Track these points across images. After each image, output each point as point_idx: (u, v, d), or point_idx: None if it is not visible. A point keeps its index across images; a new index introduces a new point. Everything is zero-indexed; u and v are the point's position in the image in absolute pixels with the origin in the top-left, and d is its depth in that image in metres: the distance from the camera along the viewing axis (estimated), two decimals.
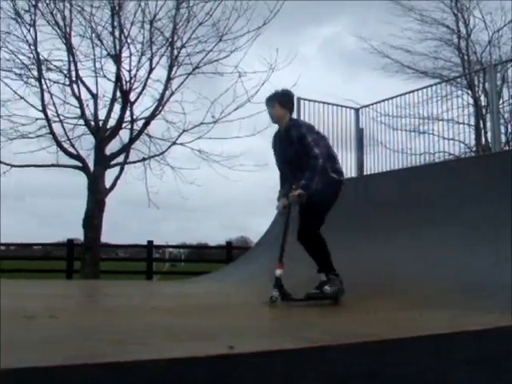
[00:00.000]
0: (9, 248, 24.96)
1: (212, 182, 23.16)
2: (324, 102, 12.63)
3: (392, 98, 12.42)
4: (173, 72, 17.13)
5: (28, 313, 4.53)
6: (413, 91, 12.12)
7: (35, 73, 16.56)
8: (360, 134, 12.92)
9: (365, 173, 12.46)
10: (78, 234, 17.24)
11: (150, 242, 18.78)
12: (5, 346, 2.76)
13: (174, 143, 17.34)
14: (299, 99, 12.39)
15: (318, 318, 5.13)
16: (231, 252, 18.73)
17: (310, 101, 12.48)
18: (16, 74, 16.47)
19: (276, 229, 11.27)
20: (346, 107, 13.24)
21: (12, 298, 6.46)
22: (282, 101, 6.68)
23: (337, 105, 12.96)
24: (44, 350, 2.89)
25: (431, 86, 12.39)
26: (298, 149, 6.35)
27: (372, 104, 12.85)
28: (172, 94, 17.24)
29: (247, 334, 3.87)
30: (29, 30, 16.35)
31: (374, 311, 5.26)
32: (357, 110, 13.17)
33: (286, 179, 6.73)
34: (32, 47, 16.41)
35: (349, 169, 12.35)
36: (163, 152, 17.46)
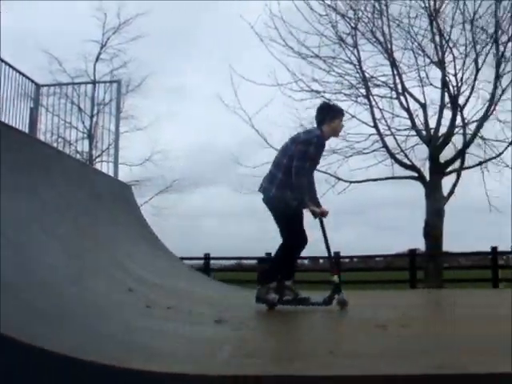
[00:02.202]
0: (352, 260, 26.12)
1: None
2: None
3: None
4: (501, 69, 16.36)
5: (379, 322, 4.68)
6: None
7: (363, 91, 17.24)
8: None
9: None
10: (419, 243, 17.33)
11: (494, 248, 17.99)
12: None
13: (511, 143, 16.47)
14: None
15: None
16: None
17: None
18: (345, 94, 17.32)
19: None
20: None
21: (363, 308, 6.71)
22: None
23: None
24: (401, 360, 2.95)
25: None
26: None
27: None
28: (503, 91, 16.45)
29: None
30: (352, 52, 17.11)
31: None
32: None
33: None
34: (357, 67, 17.11)
35: None
36: (500, 154, 16.74)
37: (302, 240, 6.73)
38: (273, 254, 7.09)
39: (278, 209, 6.67)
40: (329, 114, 6.87)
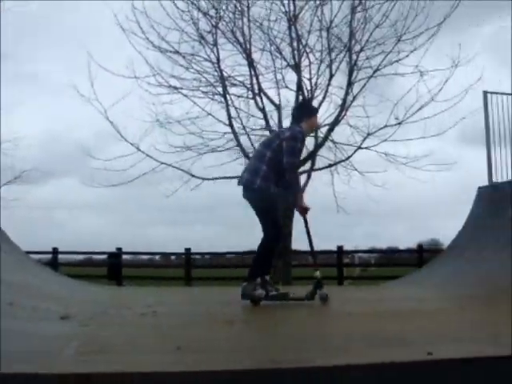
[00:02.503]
0: (204, 257, 26.30)
1: (399, 185, 22.73)
2: None
3: None
4: (353, 76, 17.08)
5: (227, 318, 4.71)
6: None
7: (220, 89, 17.33)
8: None
9: None
10: None
11: (340, 248, 18.82)
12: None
13: (359, 148, 17.25)
14: (486, 93, 11.76)
15: None
16: (422, 255, 18.22)
17: (497, 94, 11.72)
18: (203, 92, 17.34)
19: (469, 230, 10.80)
20: None
21: (211, 305, 6.74)
22: None
23: None
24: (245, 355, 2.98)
25: None
26: None
27: None
28: (354, 98, 17.19)
29: (444, 339, 3.73)
30: (212, 50, 17.19)
31: None
32: None
33: None
34: (216, 65, 17.19)
35: None
36: (349, 157, 17.44)
37: (281, 234, 6.93)
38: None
39: (262, 200, 6.69)
40: (307, 112, 7.19)
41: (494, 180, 11.46)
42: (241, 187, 6.92)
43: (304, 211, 6.89)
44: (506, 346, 3.21)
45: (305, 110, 7.39)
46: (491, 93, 11.69)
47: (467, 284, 8.22)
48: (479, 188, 11.51)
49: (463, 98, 16.09)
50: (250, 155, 17.19)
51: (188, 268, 19.21)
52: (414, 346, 3.32)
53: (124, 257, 20.70)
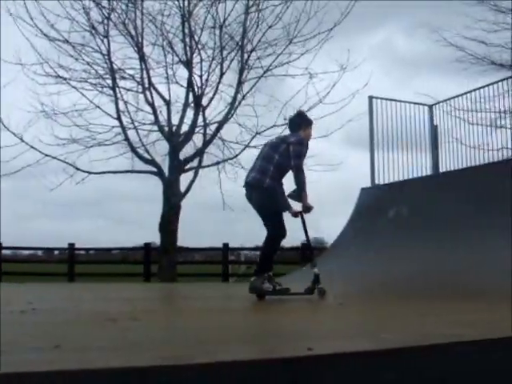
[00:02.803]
0: (88, 253, 25.71)
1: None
2: (396, 100, 12.39)
3: (467, 92, 12.09)
4: (244, 75, 17.25)
5: (110, 315, 4.64)
6: (489, 85, 11.74)
7: (109, 82, 17.01)
8: (434, 131, 12.59)
9: (441, 171, 12.19)
10: (155, 238, 17.56)
11: (226, 245, 18.94)
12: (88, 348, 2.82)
13: (247, 146, 17.42)
14: (371, 98, 12.26)
15: (394, 320, 5.03)
16: (306, 253, 18.62)
17: (381, 99, 12.28)
18: (91, 84, 16.97)
19: (351, 230, 11.17)
20: (419, 104, 12.93)
21: (94, 302, 6.62)
22: None
23: (409, 102, 12.66)
24: (129, 353, 2.95)
25: (508, 78, 11.93)
26: None
27: (446, 100, 12.51)
28: (243, 97, 17.35)
29: (325, 335, 3.84)
30: (102, 41, 16.83)
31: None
32: (430, 107, 12.88)
33: None
34: (106, 57, 16.85)
35: (424, 167, 12.17)
36: (237, 155, 17.57)
37: (284, 231, 6.98)
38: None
39: (270, 198, 6.93)
40: (305, 121, 7.48)
41: (376, 182, 11.92)
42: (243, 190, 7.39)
43: (308, 210, 7.12)
44: (382, 341, 3.36)
45: (303, 119, 7.56)
46: (376, 98, 12.17)
47: (347, 281, 8.51)
48: (362, 189, 11.93)
49: (350, 101, 16.59)
50: (139, 150, 17.05)
51: (71, 263, 18.72)
52: (294, 342, 3.40)
53: (3, 252, 19.89)
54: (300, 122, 7.49)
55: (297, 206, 7.19)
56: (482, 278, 7.21)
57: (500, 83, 11.64)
